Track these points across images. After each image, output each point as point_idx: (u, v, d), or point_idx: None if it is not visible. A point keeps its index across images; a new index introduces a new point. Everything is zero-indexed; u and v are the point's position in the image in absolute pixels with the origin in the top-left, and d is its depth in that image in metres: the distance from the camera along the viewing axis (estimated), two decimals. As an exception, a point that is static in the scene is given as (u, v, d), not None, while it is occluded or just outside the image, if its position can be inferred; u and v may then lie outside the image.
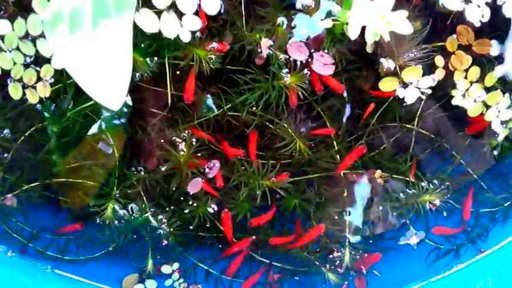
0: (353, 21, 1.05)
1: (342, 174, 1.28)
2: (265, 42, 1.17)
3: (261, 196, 1.27)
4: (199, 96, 1.23)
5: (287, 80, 1.19)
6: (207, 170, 1.25)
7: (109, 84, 1.02)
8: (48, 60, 1.13)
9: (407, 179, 1.30)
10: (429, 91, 1.22)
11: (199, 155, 1.26)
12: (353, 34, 1.06)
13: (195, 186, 1.26)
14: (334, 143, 1.29)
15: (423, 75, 1.20)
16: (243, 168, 1.27)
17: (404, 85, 1.21)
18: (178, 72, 1.21)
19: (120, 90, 1.02)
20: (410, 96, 1.22)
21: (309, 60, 1.19)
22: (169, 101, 1.21)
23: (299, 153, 1.26)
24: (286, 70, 1.19)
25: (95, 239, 1.32)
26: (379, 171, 1.29)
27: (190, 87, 1.20)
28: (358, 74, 1.25)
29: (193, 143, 1.24)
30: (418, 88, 1.21)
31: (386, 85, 1.20)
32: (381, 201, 1.32)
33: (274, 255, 1.35)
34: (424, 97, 1.23)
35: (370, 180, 1.30)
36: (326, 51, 1.19)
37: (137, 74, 1.18)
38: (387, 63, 1.19)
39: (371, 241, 1.35)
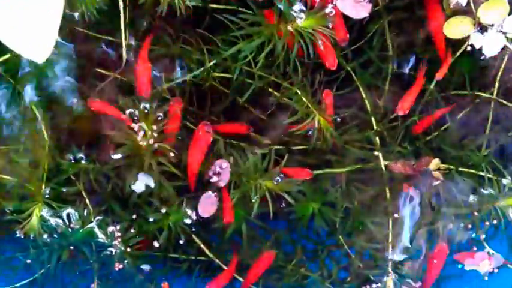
0: None
1: (384, 167, 1.27)
2: (267, -37, 1.17)
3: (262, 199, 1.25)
4: (170, 49, 1.22)
5: (301, 23, 1.16)
6: (214, 179, 1.22)
7: (31, 27, 1.02)
8: None
9: (481, 173, 1.29)
10: (520, 37, 1.22)
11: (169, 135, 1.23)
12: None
13: (209, 205, 1.22)
14: (372, 120, 1.28)
15: (511, 12, 1.17)
16: (233, 158, 1.25)
17: (482, 28, 1.19)
18: (137, 11, 1.20)
19: (47, 35, 1.02)
20: (490, 45, 1.19)
21: (334, -7, 1.18)
22: (124, 55, 1.19)
23: (319, 135, 1.25)
24: (300, 7, 1.16)
25: (14, 262, 1.30)
26: (436, 160, 1.27)
27: (143, 69, 1.19)
28: (409, 15, 1.26)
29: (160, 118, 1.21)
30: (503, 33, 1.19)
31: (454, 29, 1.19)
32: (440, 207, 1.30)
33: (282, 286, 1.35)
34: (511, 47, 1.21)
35: (425, 174, 1.29)
36: (359, -21, 1.19)
37: (76, 15, 1.16)
38: (455, -5, 1.17)
39: (425, 265, 1.33)
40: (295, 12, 1.16)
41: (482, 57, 1.20)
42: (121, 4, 1.16)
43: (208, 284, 1.30)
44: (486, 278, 1.32)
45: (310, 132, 1.26)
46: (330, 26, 1.17)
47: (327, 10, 1.16)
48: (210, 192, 1.23)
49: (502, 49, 1.20)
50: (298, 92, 1.23)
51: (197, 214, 1.26)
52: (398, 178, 1.29)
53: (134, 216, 1.27)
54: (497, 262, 1.32)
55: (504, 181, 1.29)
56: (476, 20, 1.18)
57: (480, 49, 1.20)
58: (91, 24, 1.18)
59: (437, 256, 1.29)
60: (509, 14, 1.18)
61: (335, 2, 1.16)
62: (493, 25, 1.18)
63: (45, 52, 1.03)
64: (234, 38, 1.20)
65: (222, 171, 1.23)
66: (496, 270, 1.33)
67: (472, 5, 1.18)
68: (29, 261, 1.28)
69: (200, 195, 1.25)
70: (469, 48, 1.21)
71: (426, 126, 1.30)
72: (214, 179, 1.23)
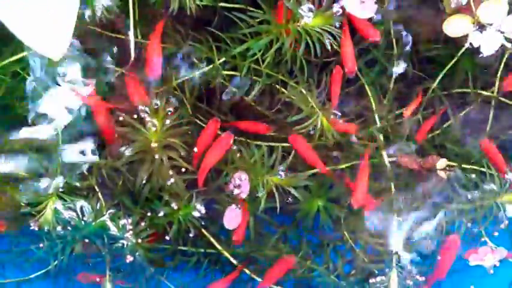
0: None
1: (388, 163, 1.26)
2: (275, -38, 1.17)
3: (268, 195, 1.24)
4: (179, 46, 1.23)
5: (309, 21, 1.16)
6: (235, 191, 1.23)
7: (48, 24, 1.02)
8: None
9: (483, 169, 1.28)
10: (517, 37, 1.22)
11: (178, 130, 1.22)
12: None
13: (234, 218, 1.23)
14: (376, 117, 1.28)
15: (509, 12, 1.18)
16: (240, 155, 1.25)
17: (481, 27, 1.19)
18: (147, 10, 1.20)
19: (63, 32, 1.03)
20: (488, 44, 1.19)
21: (341, -8, 1.19)
22: (133, 52, 1.18)
23: (323, 133, 1.24)
24: (309, 6, 1.16)
25: (28, 254, 1.30)
26: (443, 160, 1.26)
27: (154, 49, 1.18)
28: (411, 14, 1.26)
29: (169, 114, 1.21)
30: (501, 32, 1.19)
31: (454, 28, 1.19)
32: (444, 202, 1.29)
33: (288, 280, 1.33)
34: (510, 46, 1.20)
35: (430, 171, 1.28)
36: (366, -20, 1.19)
37: (86, 13, 1.17)
38: (455, -5, 1.18)
39: (429, 260, 1.32)
40: (302, 11, 1.16)
41: (480, 56, 1.19)
42: (131, 2, 1.15)
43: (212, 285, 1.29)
44: (492, 272, 1.30)
45: (312, 131, 1.25)
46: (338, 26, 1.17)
47: (334, 9, 1.16)
48: (233, 206, 1.23)
49: (501, 48, 1.20)
50: (303, 91, 1.23)
51: (206, 208, 1.25)
52: (404, 174, 1.28)
53: (147, 212, 1.26)
54: (500, 256, 1.30)
55: (507, 176, 1.27)
56: (475, 18, 1.18)
57: (479, 48, 1.19)
58: (101, 21, 1.18)
59: (449, 248, 1.27)
60: (508, 14, 1.18)
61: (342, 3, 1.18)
62: (491, 24, 1.19)
63: (61, 49, 1.04)
64: (242, 36, 1.20)
65: (241, 183, 1.23)
66: (497, 264, 1.30)
67: (471, 3, 1.17)
68: (41, 245, 1.27)
69: (208, 189, 1.25)
70: (469, 46, 1.20)
71: (427, 132, 1.30)
72: (236, 191, 1.23)
